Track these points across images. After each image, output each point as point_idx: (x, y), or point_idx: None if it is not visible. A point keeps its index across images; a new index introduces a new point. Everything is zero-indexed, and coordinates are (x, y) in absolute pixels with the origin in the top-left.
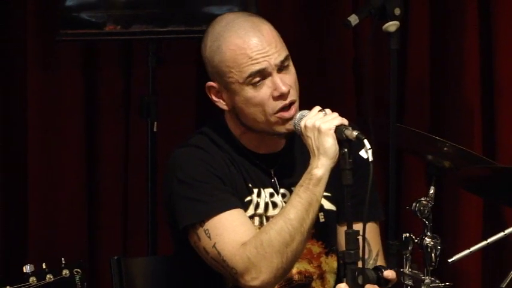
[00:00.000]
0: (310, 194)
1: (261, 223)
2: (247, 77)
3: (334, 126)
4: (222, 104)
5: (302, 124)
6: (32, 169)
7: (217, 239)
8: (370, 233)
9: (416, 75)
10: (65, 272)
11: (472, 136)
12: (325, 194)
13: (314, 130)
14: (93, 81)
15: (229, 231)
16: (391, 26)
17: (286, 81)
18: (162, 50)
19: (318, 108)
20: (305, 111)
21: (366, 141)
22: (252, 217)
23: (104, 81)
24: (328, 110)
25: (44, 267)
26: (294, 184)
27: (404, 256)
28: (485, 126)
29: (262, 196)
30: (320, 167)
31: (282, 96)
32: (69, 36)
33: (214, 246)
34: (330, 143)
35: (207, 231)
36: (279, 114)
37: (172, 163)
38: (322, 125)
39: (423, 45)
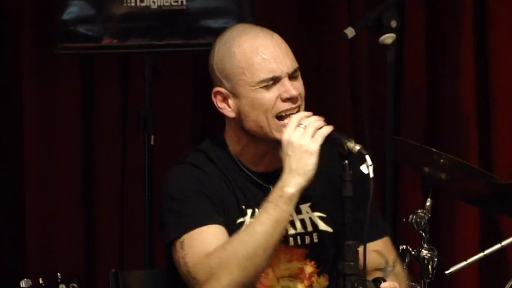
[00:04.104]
0: (280, 212)
1: None
2: (260, 81)
3: (321, 141)
4: (227, 110)
5: (284, 137)
6: (29, 182)
7: (188, 250)
8: (385, 248)
9: (413, 87)
10: (62, 287)
11: (468, 147)
12: (320, 214)
13: (300, 149)
14: (90, 95)
15: (201, 244)
16: (388, 38)
17: (297, 87)
18: (158, 63)
19: (295, 121)
20: None
21: (367, 157)
22: None
23: (101, 94)
24: (306, 119)
25: (40, 282)
26: None
27: None
28: (481, 137)
29: None
30: (293, 186)
31: (291, 99)
32: (66, 50)
33: (183, 257)
34: (312, 166)
35: (182, 243)
36: (281, 122)
37: (166, 180)
38: (310, 146)
39: (419, 58)
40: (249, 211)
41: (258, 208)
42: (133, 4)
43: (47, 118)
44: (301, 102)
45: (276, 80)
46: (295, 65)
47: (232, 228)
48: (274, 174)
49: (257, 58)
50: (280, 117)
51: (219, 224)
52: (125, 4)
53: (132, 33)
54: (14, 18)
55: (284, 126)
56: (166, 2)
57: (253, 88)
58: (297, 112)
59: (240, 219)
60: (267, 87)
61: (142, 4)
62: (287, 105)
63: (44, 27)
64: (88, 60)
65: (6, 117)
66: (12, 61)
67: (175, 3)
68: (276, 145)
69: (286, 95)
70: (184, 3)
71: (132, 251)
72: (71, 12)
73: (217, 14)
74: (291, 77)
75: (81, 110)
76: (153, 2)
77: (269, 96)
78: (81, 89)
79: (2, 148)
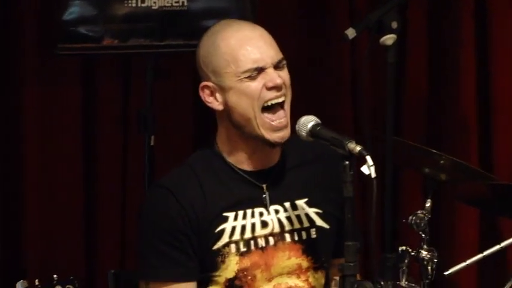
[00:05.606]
0: None
1: (237, 249)
2: (244, 71)
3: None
4: (215, 104)
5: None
6: (29, 182)
7: None
8: None
9: (413, 88)
10: None
11: (468, 148)
12: (317, 210)
13: None
14: (91, 95)
15: None
16: (389, 39)
17: (282, 76)
18: (159, 64)
19: None
20: (310, 117)
21: (368, 158)
22: (227, 245)
23: (102, 95)
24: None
25: (36, 283)
26: (288, 199)
27: (401, 269)
28: (481, 138)
29: (248, 217)
30: None
31: (276, 87)
32: (67, 51)
33: None
34: None
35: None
36: (267, 116)
37: (143, 205)
38: None
39: (420, 59)
40: (241, 212)
41: (254, 207)
42: (134, 5)
43: (47, 118)
44: (286, 91)
45: (260, 70)
46: (279, 55)
47: (211, 236)
48: (267, 172)
49: (241, 50)
50: (266, 108)
51: (177, 279)
52: (126, 4)
53: (133, 33)
54: (15, 19)
55: (270, 120)
56: (167, 2)
57: (239, 79)
58: (282, 101)
59: (220, 227)
60: (251, 78)
61: (144, 5)
62: (272, 94)
63: (45, 27)
64: (89, 60)
65: (6, 117)
66: (13, 61)
67: (177, 4)
68: (264, 144)
69: (270, 84)
70: (185, 3)
71: (133, 252)
72: (72, 12)
73: (219, 14)
74: (276, 67)
75: (82, 110)
76: (154, 2)
77: (254, 85)
78: (82, 90)
79: (2, 148)
